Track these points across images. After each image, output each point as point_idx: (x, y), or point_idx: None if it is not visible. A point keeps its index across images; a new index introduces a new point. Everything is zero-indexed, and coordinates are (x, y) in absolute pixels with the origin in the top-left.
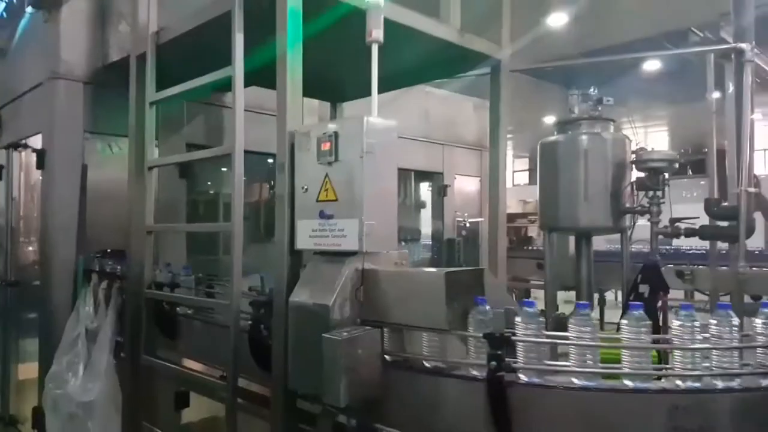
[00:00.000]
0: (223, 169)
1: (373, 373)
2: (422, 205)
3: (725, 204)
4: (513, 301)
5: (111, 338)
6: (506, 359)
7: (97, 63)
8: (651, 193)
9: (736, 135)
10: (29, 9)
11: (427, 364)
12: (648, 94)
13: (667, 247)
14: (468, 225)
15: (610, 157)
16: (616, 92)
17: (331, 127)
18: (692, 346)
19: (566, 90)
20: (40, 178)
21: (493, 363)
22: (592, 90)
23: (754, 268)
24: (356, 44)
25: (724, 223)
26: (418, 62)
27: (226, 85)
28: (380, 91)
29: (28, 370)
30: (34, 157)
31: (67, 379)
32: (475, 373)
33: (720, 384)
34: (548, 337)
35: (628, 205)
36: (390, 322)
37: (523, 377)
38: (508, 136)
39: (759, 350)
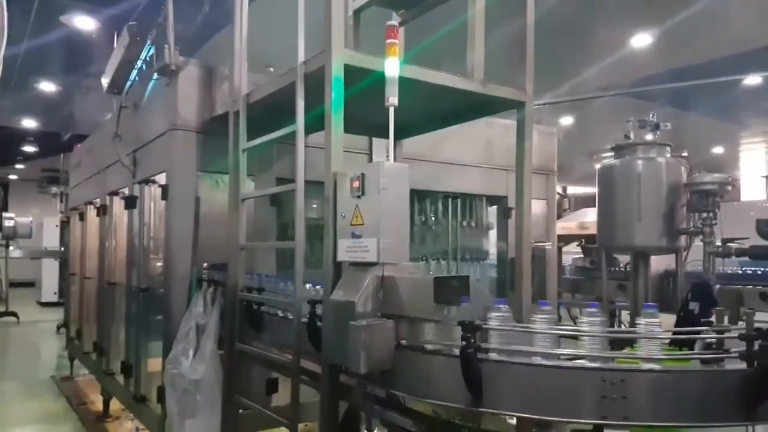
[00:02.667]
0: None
1: (387, 351)
2: (490, 226)
3: None
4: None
5: (215, 330)
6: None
7: (206, 116)
8: (704, 214)
9: None
10: (155, 75)
11: (426, 346)
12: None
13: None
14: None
15: (664, 180)
16: (729, 110)
17: (360, 170)
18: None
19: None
20: (164, 207)
21: (464, 343)
22: (650, 116)
23: None
24: (405, 94)
25: None
26: (453, 108)
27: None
28: (423, 131)
29: (154, 364)
30: (159, 190)
31: (181, 361)
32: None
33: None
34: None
35: (682, 226)
36: (399, 315)
37: (494, 355)
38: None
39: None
